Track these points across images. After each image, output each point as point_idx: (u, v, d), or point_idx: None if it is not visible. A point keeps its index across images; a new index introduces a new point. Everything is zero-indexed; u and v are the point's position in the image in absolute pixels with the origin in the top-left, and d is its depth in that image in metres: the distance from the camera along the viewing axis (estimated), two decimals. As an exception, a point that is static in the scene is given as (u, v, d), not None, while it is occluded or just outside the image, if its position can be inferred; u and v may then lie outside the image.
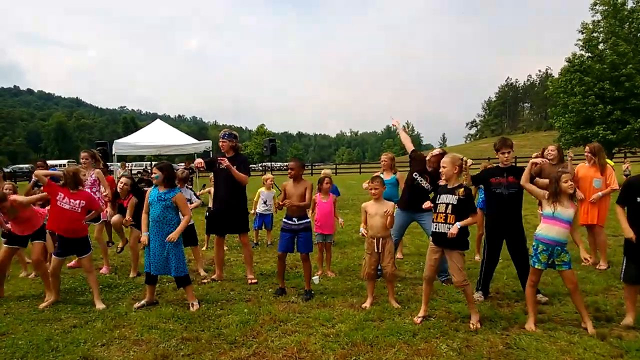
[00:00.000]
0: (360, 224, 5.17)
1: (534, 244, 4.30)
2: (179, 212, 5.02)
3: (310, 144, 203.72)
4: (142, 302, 5.07)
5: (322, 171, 7.09)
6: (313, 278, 5.83)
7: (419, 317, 4.43)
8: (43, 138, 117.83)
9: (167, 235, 4.86)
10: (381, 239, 4.92)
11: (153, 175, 5.03)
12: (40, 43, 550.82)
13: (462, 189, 4.29)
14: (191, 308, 4.89)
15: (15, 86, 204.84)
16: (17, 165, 60.96)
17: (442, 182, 4.59)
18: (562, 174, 4.11)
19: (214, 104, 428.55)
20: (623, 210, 4.34)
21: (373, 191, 4.98)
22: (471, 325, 4.23)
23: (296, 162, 5.39)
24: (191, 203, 6.60)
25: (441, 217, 4.34)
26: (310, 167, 55.24)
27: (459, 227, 4.20)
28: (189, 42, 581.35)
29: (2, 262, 5.55)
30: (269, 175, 8.80)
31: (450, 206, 4.31)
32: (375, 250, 4.94)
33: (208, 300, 5.22)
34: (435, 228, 4.40)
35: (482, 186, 7.01)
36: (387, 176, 6.76)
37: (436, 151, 5.66)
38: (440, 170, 4.51)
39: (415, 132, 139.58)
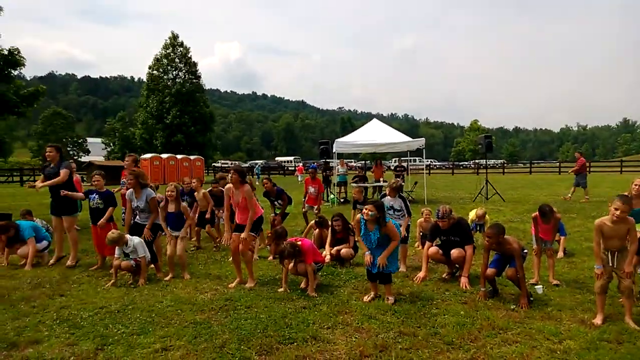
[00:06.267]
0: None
1: None
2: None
3: (528, 139, 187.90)
4: (372, 295, 5.33)
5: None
6: (536, 287, 5.42)
7: None
8: (274, 137, 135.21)
9: None
10: (617, 252, 4.45)
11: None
12: (272, 52, 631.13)
13: None
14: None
15: (253, 92, 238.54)
16: (254, 161, 72.31)
17: None
18: None
19: (424, 102, 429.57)
20: None
21: (619, 213, 4.40)
22: None
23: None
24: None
25: None
26: (529, 164, 51.31)
27: None
28: (399, 43, 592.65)
29: None
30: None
31: None
32: (610, 264, 4.49)
33: (423, 297, 5.29)
34: None
35: None
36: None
37: None
38: None
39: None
